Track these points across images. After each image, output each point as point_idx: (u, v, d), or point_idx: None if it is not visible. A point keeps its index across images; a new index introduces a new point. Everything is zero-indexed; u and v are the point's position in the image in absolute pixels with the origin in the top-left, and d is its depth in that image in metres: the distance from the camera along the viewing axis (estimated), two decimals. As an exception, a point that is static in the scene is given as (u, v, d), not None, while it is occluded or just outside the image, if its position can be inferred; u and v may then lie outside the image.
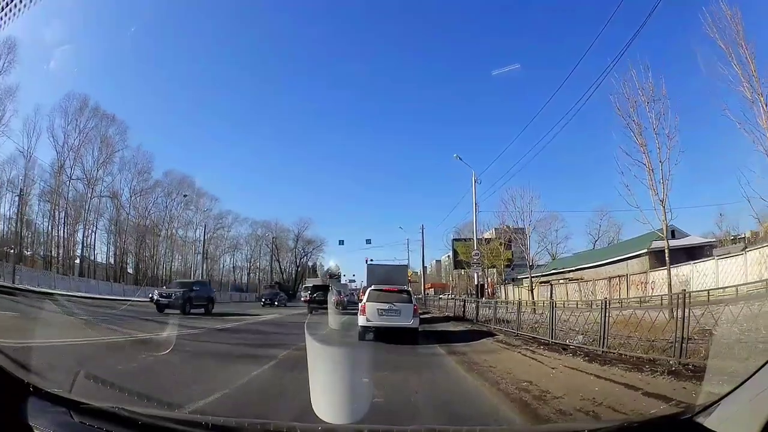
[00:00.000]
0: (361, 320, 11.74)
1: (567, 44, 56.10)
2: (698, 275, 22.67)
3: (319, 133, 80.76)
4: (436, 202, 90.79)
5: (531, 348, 10.26)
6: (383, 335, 11.47)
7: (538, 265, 42.55)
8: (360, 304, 12.32)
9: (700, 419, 1.86)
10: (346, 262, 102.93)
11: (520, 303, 13.32)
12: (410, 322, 11.61)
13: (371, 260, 18.93)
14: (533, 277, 42.12)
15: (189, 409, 4.35)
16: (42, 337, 8.13)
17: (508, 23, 66.12)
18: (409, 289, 13.57)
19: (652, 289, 25.49)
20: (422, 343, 11.69)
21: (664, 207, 12.58)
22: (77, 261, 44.85)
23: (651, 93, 13.57)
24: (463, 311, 18.88)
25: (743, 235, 40.16)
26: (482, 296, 21.52)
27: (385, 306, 11.63)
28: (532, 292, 22.89)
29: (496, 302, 15.22)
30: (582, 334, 10.22)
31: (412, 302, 12.03)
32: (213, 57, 71.44)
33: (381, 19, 70.17)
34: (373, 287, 12.53)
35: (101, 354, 7.91)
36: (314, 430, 2.64)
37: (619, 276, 28.27)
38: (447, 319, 19.00)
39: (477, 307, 16.29)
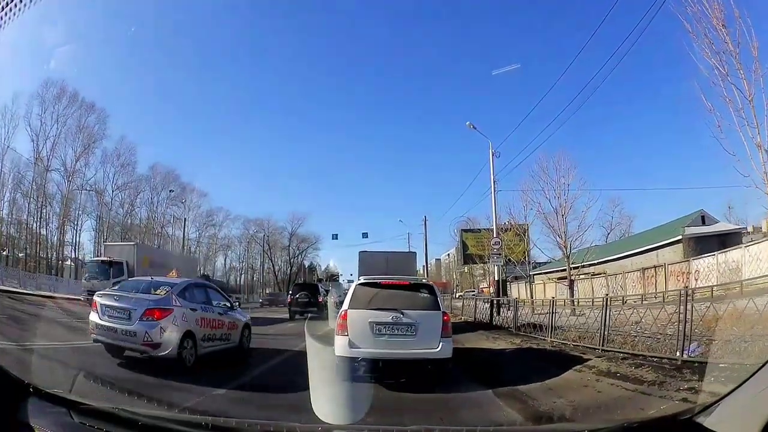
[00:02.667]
0: (339, 344, 6.23)
1: None
2: (751, 260, 19.70)
3: (315, 125, 77.32)
4: (438, 199, 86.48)
5: (684, 383, 5.33)
6: (382, 373, 6.25)
7: (541, 263, 39.16)
8: (339, 313, 6.77)
9: (700, 419, 1.78)
10: (344, 261, 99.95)
11: (608, 298, 8.76)
12: (436, 348, 6.18)
13: (368, 255, 14.72)
14: (541, 274, 39.05)
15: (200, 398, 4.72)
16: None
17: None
18: (431, 283, 7.54)
19: (696, 279, 22.46)
20: (457, 387, 6.23)
21: (762, 152, 9.20)
22: (68, 262, 41.75)
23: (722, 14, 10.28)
24: (491, 316, 15.28)
25: (746, 230, 37.28)
26: (503, 295, 18.04)
27: (387, 316, 6.19)
28: (571, 288, 19.35)
29: (553, 300, 11.30)
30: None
31: (439, 308, 6.52)
32: (209, 54, 68.58)
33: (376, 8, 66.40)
34: (361, 280, 7.16)
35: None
36: (314, 431, 2.61)
37: (655, 266, 24.98)
38: (470, 326, 15.12)
39: (515, 311, 12.58)
